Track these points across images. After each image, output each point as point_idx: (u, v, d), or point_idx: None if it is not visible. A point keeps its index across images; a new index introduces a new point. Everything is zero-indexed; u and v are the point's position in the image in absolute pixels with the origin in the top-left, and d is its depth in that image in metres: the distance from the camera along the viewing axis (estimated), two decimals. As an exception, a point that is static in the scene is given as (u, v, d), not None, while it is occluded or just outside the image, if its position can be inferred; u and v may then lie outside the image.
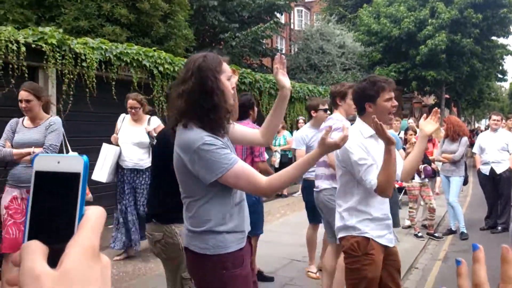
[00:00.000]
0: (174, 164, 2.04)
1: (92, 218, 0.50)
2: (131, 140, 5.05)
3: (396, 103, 2.71)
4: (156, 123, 5.10)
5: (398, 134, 7.56)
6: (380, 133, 2.42)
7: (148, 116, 5.19)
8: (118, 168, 5.14)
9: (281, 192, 10.29)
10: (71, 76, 6.13)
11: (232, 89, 2.05)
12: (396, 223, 5.39)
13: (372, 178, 2.52)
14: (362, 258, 2.62)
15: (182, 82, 1.98)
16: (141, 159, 5.07)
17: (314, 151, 2.02)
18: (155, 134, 4.78)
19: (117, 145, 5.12)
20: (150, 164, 4.73)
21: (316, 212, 4.67)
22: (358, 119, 2.78)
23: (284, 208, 8.83)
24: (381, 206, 2.73)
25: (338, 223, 2.78)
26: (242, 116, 4.34)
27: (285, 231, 6.71)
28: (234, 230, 2.02)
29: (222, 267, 1.98)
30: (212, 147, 1.89)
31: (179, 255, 2.66)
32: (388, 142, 2.44)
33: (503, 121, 7.87)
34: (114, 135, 5.21)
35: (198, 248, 2.00)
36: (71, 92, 6.16)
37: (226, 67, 2.03)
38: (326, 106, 4.70)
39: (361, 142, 2.61)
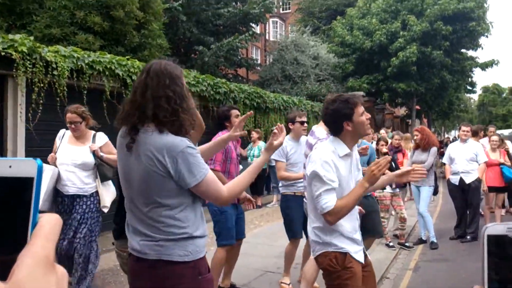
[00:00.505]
0: (145, 170, 1.95)
1: (46, 226, 0.47)
2: (73, 160, 4.23)
3: (369, 115, 2.76)
4: (103, 140, 4.40)
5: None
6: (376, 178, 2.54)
7: (93, 132, 4.45)
8: (57, 194, 4.27)
9: (256, 202, 10.28)
10: (42, 85, 6.01)
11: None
12: (379, 232, 5.48)
13: (329, 200, 2.51)
14: (343, 273, 2.61)
15: (164, 88, 1.98)
16: (85, 183, 4.25)
17: (262, 156, 2.28)
18: (102, 154, 4.29)
19: (55, 165, 4.28)
20: (96, 189, 4.28)
21: (297, 226, 4.67)
22: (332, 138, 2.76)
23: (258, 219, 8.82)
24: (351, 222, 2.74)
25: (313, 238, 2.75)
26: (219, 128, 4.39)
27: (259, 242, 6.69)
28: (204, 235, 2.08)
29: (199, 273, 2.02)
30: (194, 152, 1.97)
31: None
32: (373, 182, 2.55)
33: (483, 132, 8.19)
34: (52, 154, 4.37)
35: (178, 256, 1.97)
36: (41, 101, 6.04)
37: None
38: (303, 119, 4.73)
39: (333, 161, 2.60)
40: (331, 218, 2.53)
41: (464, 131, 7.19)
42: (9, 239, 0.47)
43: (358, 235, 2.77)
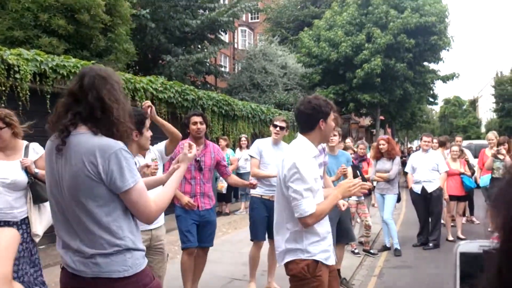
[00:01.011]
0: (75, 174, 1.81)
1: (2, 243, 0.45)
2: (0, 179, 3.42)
3: (336, 123, 2.83)
4: (37, 153, 3.60)
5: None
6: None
7: (24, 143, 3.64)
8: None
9: (221, 210, 10.23)
10: (3, 88, 5.82)
11: None
12: (352, 238, 5.60)
13: (310, 202, 2.51)
14: (311, 281, 2.62)
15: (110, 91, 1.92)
16: (13, 206, 3.43)
17: (181, 167, 2.29)
18: (37, 171, 3.53)
19: None
20: (27, 214, 3.51)
21: (260, 229, 4.69)
22: (300, 138, 2.76)
23: (226, 226, 8.78)
24: (326, 224, 2.76)
25: (284, 245, 2.69)
26: (184, 135, 4.34)
27: (226, 250, 6.65)
28: (141, 248, 1.98)
29: (143, 285, 1.92)
30: (129, 156, 1.89)
31: None
32: (346, 196, 2.71)
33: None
34: None
35: (117, 272, 1.84)
36: (2, 105, 5.83)
37: None
38: (276, 123, 4.76)
39: (310, 163, 2.62)
40: (311, 221, 2.52)
41: (425, 141, 7.38)
42: None
43: (330, 237, 2.80)
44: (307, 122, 2.72)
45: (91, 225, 1.83)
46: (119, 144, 1.86)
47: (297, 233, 2.65)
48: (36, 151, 3.60)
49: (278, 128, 4.73)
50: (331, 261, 2.75)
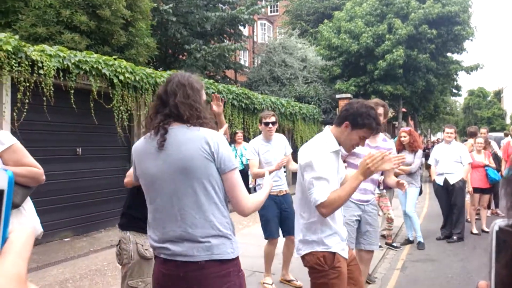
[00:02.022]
0: (189, 161, 1.97)
1: (16, 242, 0.45)
2: None
3: (363, 144, 2.74)
4: (4, 143, 2.48)
5: None
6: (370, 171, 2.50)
7: None
8: None
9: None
10: (27, 84, 5.93)
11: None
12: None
13: (323, 191, 2.48)
14: (330, 272, 2.61)
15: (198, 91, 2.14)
16: None
17: (266, 189, 2.32)
18: (2, 167, 1.97)
19: None
20: None
21: (273, 226, 4.71)
22: (328, 128, 2.75)
23: (247, 219, 8.80)
24: (340, 217, 2.75)
25: (300, 234, 2.72)
26: None
27: (248, 242, 6.68)
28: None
29: (240, 269, 2.09)
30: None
31: (129, 262, 2.79)
32: (367, 175, 2.51)
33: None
34: None
35: (227, 253, 2.01)
36: (27, 101, 5.95)
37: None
38: (268, 120, 4.73)
39: (326, 156, 2.60)
40: (325, 210, 2.49)
41: (448, 133, 7.26)
42: None
43: (344, 231, 2.78)
44: (339, 117, 2.72)
45: (202, 208, 1.96)
46: (220, 134, 2.08)
47: (312, 224, 2.65)
48: (4, 141, 2.50)
49: (270, 125, 4.71)
50: (345, 254, 2.72)
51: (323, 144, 2.64)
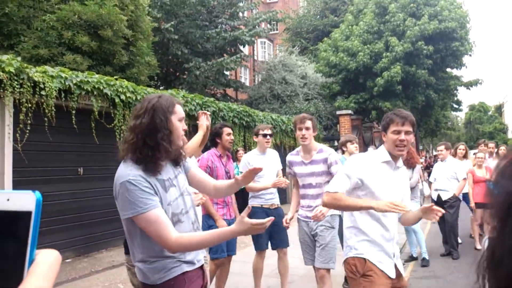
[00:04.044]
0: None
1: (42, 264, 0.45)
2: None
3: (403, 137, 2.73)
4: None
5: None
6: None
7: None
8: None
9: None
10: (29, 105, 5.97)
11: (183, 130, 2.11)
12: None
13: (338, 184, 2.64)
14: (361, 281, 2.59)
15: (135, 118, 2.06)
16: None
17: (231, 228, 2.00)
18: None
19: None
20: None
21: (260, 238, 4.74)
22: (382, 145, 2.94)
23: (248, 238, 8.73)
24: (381, 230, 2.70)
25: (344, 242, 2.85)
26: (211, 144, 4.46)
27: (249, 261, 6.62)
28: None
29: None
30: (132, 187, 1.92)
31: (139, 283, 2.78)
32: (379, 210, 2.51)
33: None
34: None
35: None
36: (29, 121, 5.99)
37: (179, 109, 2.11)
38: (266, 132, 4.79)
39: (365, 162, 2.75)
40: (326, 198, 2.68)
41: (439, 150, 7.39)
42: (4, 276, 0.45)
43: (388, 246, 2.70)
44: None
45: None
46: (127, 176, 1.94)
47: (348, 229, 2.76)
48: None
49: (268, 137, 4.78)
50: (387, 268, 2.64)
51: (371, 155, 2.87)
